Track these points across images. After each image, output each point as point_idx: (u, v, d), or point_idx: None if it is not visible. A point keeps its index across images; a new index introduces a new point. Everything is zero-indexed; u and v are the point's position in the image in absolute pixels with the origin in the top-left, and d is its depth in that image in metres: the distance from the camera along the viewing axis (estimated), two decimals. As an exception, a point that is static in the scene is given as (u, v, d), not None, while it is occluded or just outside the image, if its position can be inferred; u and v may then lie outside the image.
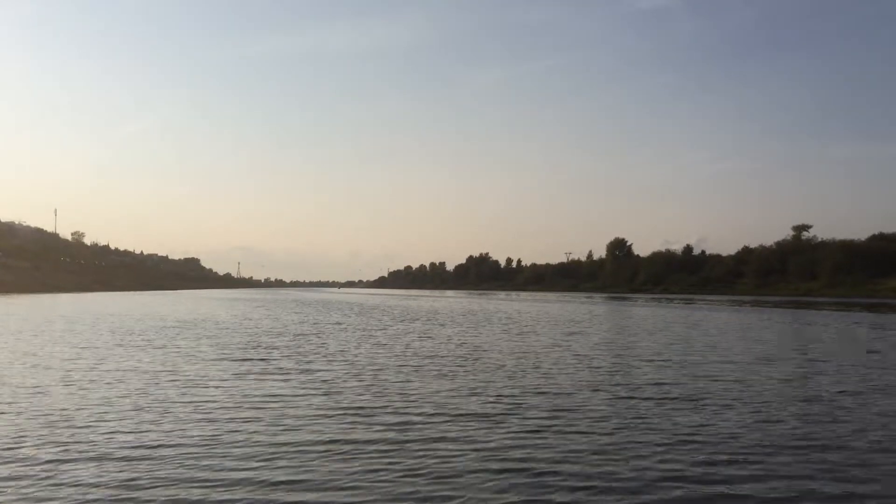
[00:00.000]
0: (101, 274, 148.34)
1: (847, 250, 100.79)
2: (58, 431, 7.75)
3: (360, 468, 6.41)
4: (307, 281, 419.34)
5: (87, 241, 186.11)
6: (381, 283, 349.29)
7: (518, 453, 6.98)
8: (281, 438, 7.52)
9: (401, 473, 6.26)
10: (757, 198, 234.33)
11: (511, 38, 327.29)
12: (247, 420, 8.46)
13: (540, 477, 6.19)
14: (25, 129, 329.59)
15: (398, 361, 14.83)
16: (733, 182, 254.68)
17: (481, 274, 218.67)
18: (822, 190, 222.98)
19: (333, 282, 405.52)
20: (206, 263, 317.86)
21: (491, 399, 10.10)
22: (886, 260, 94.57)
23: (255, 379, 11.99)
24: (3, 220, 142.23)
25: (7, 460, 6.57)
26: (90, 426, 8.03)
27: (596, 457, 6.88)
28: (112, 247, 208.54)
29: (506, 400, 10.02)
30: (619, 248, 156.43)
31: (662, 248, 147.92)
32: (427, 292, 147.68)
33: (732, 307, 53.47)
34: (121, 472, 6.23)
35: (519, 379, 12.20)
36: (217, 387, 11.06)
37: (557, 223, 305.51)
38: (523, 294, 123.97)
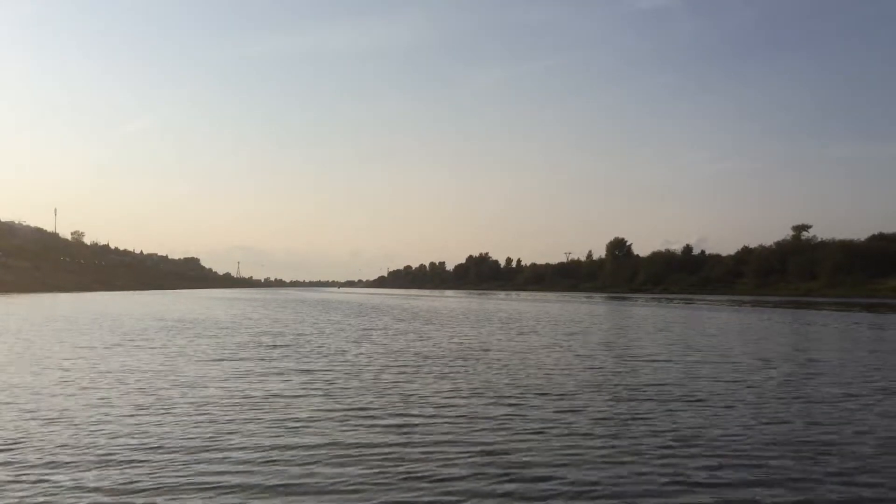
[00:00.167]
0: (101, 273, 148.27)
1: (847, 250, 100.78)
2: (59, 432, 7.73)
3: (361, 470, 6.39)
4: (307, 281, 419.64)
5: (87, 240, 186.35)
6: (380, 282, 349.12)
7: (521, 455, 6.96)
8: (282, 439, 7.50)
9: (403, 475, 6.24)
10: (757, 198, 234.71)
11: (511, 38, 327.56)
12: (247, 421, 8.44)
13: (543, 479, 6.17)
14: (25, 129, 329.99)
15: (399, 362, 14.81)
16: (733, 182, 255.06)
17: (481, 274, 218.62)
18: (822, 190, 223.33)
19: (333, 281, 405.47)
20: (205, 263, 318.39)
21: (492, 400, 10.08)
22: (886, 260, 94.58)
23: (255, 379, 11.97)
24: (3, 220, 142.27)
25: (8, 461, 6.54)
26: (91, 426, 8.01)
27: (599, 458, 6.86)
28: (112, 246, 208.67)
29: (507, 401, 10.00)
30: (618, 247, 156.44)
31: (662, 248, 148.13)
32: (427, 292, 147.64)
33: (732, 307, 53.45)
34: (122, 472, 6.20)
35: (520, 379, 12.18)
36: (218, 387, 11.04)
37: (557, 223, 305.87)
38: (523, 294, 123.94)
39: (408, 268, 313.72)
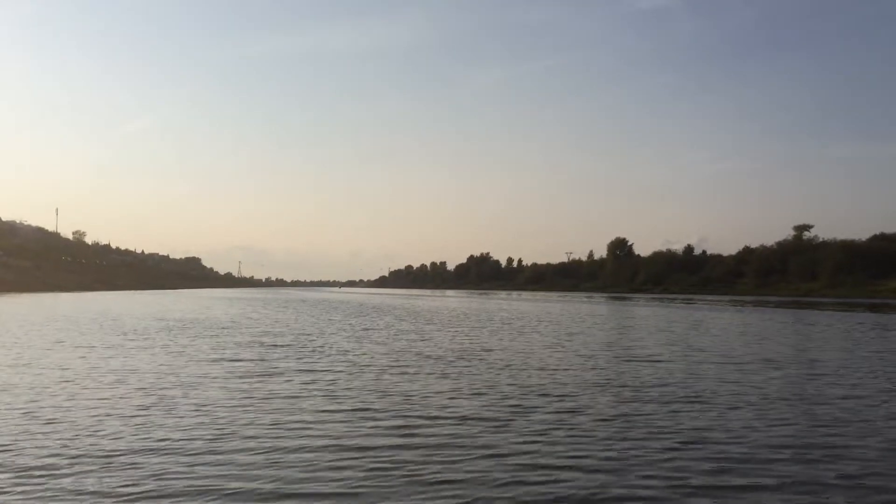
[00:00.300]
0: (102, 273, 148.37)
1: (848, 250, 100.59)
2: (61, 432, 7.70)
3: (364, 472, 6.35)
4: (308, 280, 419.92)
5: (89, 240, 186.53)
6: (381, 282, 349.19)
7: (524, 456, 6.92)
8: (283, 441, 7.46)
9: (405, 477, 6.20)
10: (757, 198, 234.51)
11: (511, 38, 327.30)
12: (249, 422, 8.40)
13: (547, 480, 6.13)
14: (26, 129, 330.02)
15: (400, 362, 14.78)
16: (733, 182, 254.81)
17: (482, 273, 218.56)
18: (823, 190, 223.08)
19: (334, 281, 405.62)
20: (206, 263, 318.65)
21: (495, 400, 10.04)
22: (887, 260, 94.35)
23: (256, 379, 11.94)
24: (4, 220, 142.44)
25: (10, 461, 6.51)
26: (92, 427, 7.98)
27: (603, 461, 6.82)
28: (113, 246, 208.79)
29: (510, 401, 9.97)
30: (619, 247, 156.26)
31: (663, 248, 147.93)
32: (428, 292, 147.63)
33: (734, 307, 53.39)
34: (124, 474, 6.17)
35: (523, 380, 12.14)
36: (219, 387, 11.01)
37: (558, 223, 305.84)
38: (524, 294, 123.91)
39: (409, 267, 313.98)
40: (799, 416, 9.20)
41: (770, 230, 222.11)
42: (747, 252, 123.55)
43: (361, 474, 6.25)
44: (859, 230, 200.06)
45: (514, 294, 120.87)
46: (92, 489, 5.76)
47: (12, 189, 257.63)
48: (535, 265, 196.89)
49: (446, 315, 37.68)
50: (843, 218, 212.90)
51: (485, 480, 6.10)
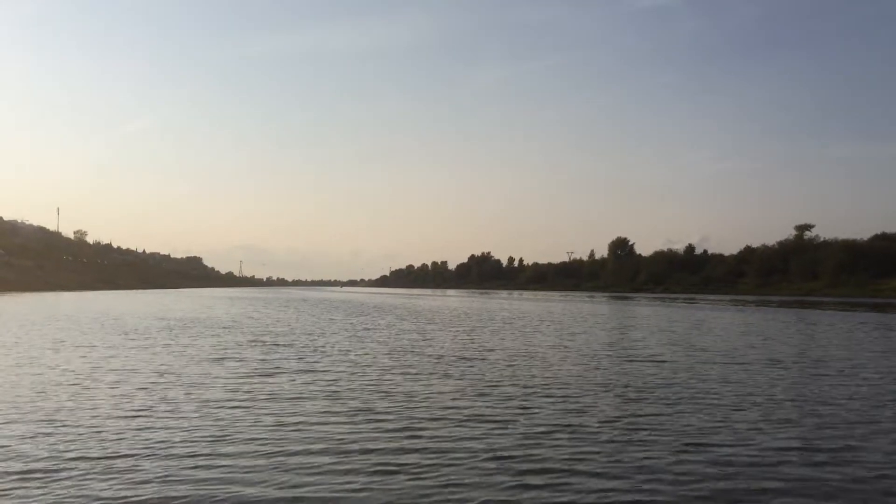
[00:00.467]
0: (103, 272, 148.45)
1: (849, 250, 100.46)
2: (63, 432, 7.66)
3: (367, 471, 6.30)
4: (309, 280, 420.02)
5: (90, 239, 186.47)
6: (382, 282, 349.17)
7: (528, 457, 6.86)
8: (285, 442, 7.41)
9: (409, 477, 6.15)
10: (758, 197, 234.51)
11: (511, 37, 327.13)
12: (252, 423, 8.36)
13: (553, 484, 6.07)
14: (26, 129, 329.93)
15: (403, 361, 14.73)
16: (734, 182, 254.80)
17: (483, 273, 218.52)
18: (823, 190, 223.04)
19: (335, 281, 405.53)
20: (208, 262, 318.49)
21: (498, 400, 9.99)
22: (889, 260, 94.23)
23: (259, 379, 11.89)
24: (6, 219, 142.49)
25: (11, 461, 6.47)
26: (95, 427, 7.93)
27: (608, 463, 6.76)
28: (114, 245, 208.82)
29: (513, 401, 9.92)
30: (620, 247, 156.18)
31: (664, 248, 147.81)
32: (429, 291, 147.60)
33: (736, 307, 53.31)
34: (127, 475, 6.13)
35: (526, 380, 12.08)
36: (222, 387, 10.96)
37: (558, 223, 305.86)
38: (525, 293, 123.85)
39: (410, 267, 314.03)
40: (804, 417, 9.14)
41: (771, 230, 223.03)
42: (748, 252, 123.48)
43: (365, 476, 6.20)
44: (859, 230, 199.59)
45: (516, 294, 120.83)
46: (93, 492, 5.71)
47: (13, 189, 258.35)
48: (536, 265, 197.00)
49: (448, 315, 37.62)
50: (844, 218, 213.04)
51: (489, 483, 6.04)
